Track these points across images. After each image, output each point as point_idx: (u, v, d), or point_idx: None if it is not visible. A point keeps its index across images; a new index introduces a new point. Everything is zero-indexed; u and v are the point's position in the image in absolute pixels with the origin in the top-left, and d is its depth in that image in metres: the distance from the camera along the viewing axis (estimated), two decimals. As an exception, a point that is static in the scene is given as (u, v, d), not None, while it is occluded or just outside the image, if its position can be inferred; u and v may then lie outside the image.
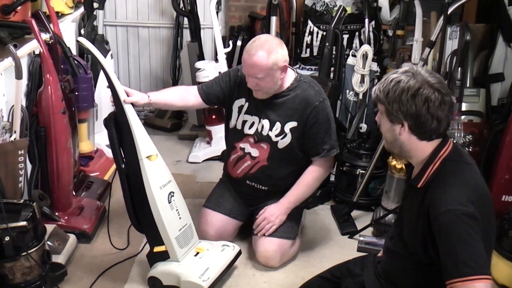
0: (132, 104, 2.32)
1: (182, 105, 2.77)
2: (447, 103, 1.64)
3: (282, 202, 2.60)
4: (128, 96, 2.31)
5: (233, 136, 2.69)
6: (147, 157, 2.30)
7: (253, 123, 2.60)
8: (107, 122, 2.33)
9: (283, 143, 2.56)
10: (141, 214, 2.39)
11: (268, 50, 2.36)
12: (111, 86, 2.29)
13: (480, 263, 1.51)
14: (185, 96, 2.65)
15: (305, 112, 2.50)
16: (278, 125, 2.55)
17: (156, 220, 2.32)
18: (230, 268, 2.49)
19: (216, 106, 3.22)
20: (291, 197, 2.60)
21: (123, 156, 2.35)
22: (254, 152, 2.62)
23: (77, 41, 2.58)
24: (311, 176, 2.60)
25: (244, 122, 2.62)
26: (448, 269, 1.54)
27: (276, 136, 2.56)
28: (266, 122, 2.56)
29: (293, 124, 2.53)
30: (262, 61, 2.36)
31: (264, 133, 2.57)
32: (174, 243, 2.35)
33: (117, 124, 2.32)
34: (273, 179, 2.62)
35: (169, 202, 2.35)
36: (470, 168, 1.68)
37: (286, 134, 2.54)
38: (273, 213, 2.58)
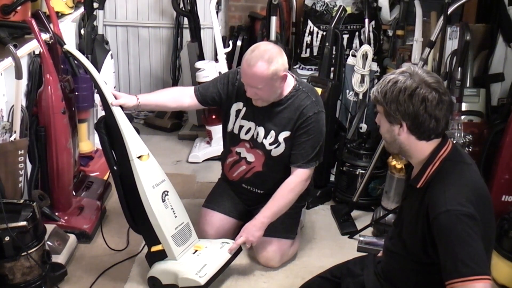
0: (121, 106, 2.34)
1: (175, 106, 2.72)
2: (445, 102, 1.64)
3: (257, 218, 2.49)
4: (116, 99, 2.33)
5: (230, 139, 2.68)
6: (138, 157, 2.31)
7: (249, 129, 2.59)
8: (97, 126, 2.36)
9: (276, 151, 2.54)
10: (136, 215, 2.39)
11: (268, 60, 2.32)
12: (98, 89, 2.32)
13: (479, 263, 1.51)
14: (179, 97, 2.62)
15: (298, 122, 2.48)
16: (272, 133, 2.53)
17: (150, 220, 2.33)
18: (229, 264, 2.48)
19: (215, 107, 3.22)
20: (267, 211, 2.50)
21: (115, 158, 2.36)
22: (250, 157, 2.61)
23: (64, 49, 2.59)
24: (286, 189, 2.51)
25: (240, 127, 2.60)
26: (447, 269, 1.54)
27: (270, 144, 2.54)
28: (261, 130, 2.55)
29: (286, 133, 2.51)
30: (263, 71, 2.32)
31: (259, 140, 2.56)
32: (170, 242, 2.36)
33: (107, 127, 2.34)
34: (269, 184, 2.60)
35: (163, 201, 2.36)
36: (469, 168, 1.68)
37: (280, 144, 2.53)
38: (250, 233, 2.49)
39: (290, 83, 2.51)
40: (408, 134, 1.68)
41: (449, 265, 1.53)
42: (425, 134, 1.67)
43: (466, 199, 1.56)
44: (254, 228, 2.49)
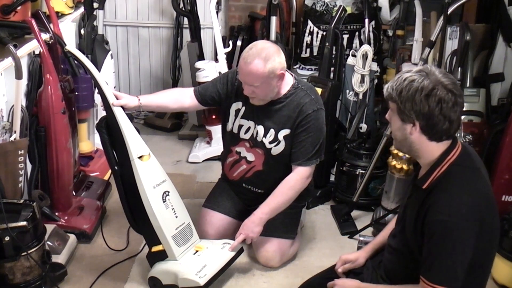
0: (122, 107, 2.34)
1: (176, 107, 2.72)
2: (460, 104, 1.64)
3: (256, 214, 2.50)
4: (117, 99, 2.34)
5: (230, 139, 2.69)
6: (139, 157, 2.31)
7: (248, 128, 2.59)
8: (98, 127, 2.37)
9: (276, 150, 2.54)
10: (137, 215, 2.40)
11: (265, 58, 2.32)
12: (99, 90, 2.33)
13: (451, 277, 1.58)
14: (180, 98, 2.63)
15: (297, 119, 2.48)
16: (272, 132, 2.53)
17: (151, 220, 2.33)
18: (230, 265, 2.48)
19: (215, 107, 3.22)
20: (265, 208, 2.50)
21: (116, 158, 2.37)
22: (250, 157, 2.61)
23: (65, 49, 2.59)
24: (286, 186, 2.51)
25: (240, 126, 2.61)
26: (423, 266, 1.63)
27: (270, 143, 2.54)
28: (260, 128, 2.55)
29: (286, 131, 2.51)
30: (259, 69, 2.32)
31: (259, 139, 2.56)
32: (171, 242, 2.36)
33: (108, 128, 2.35)
34: (269, 183, 2.60)
35: (164, 201, 2.36)
36: (478, 174, 1.68)
37: (279, 142, 2.53)
38: (250, 229, 2.49)
39: (288, 82, 2.52)
40: (420, 133, 1.67)
41: (428, 263, 1.62)
42: (437, 135, 1.66)
43: (467, 210, 1.58)
44: (252, 224, 2.50)
